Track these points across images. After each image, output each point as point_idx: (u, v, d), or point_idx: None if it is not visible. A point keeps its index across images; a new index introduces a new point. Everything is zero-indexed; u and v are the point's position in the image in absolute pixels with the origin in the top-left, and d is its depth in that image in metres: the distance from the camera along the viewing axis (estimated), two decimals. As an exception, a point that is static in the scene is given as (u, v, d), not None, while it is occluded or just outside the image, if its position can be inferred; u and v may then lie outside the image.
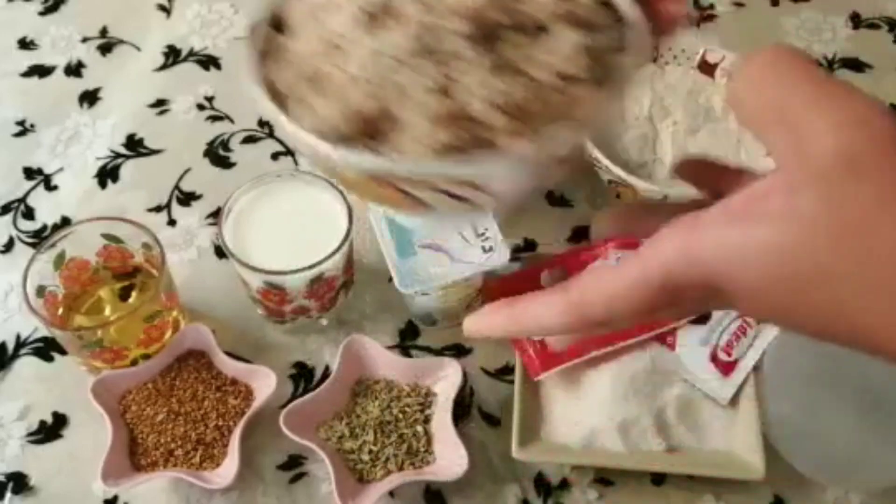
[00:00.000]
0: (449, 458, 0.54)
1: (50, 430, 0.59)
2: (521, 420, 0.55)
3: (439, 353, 0.62)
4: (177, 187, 0.71)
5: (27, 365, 0.61)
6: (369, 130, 0.30)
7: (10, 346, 0.62)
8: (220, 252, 0.67)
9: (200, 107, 0.76)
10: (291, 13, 0.34)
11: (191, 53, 0.81)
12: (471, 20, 0.30)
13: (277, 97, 0.31)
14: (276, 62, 0.33)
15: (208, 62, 0.80)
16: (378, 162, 0.29)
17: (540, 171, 0.31)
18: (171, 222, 0.69)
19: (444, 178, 0.29)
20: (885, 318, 0.23)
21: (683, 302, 0.27)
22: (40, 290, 0.57)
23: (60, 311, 0.59)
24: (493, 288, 0.62)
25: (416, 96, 0.29)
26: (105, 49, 0.81)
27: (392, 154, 0.29)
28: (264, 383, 0.57)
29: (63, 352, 0.61)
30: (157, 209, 0.70)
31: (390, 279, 0.56)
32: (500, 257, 0.57)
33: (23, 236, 0.68)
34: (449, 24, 0.30)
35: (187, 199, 0.70)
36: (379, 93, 0.29)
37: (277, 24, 0.34)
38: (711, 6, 0.86)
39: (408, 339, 0.63)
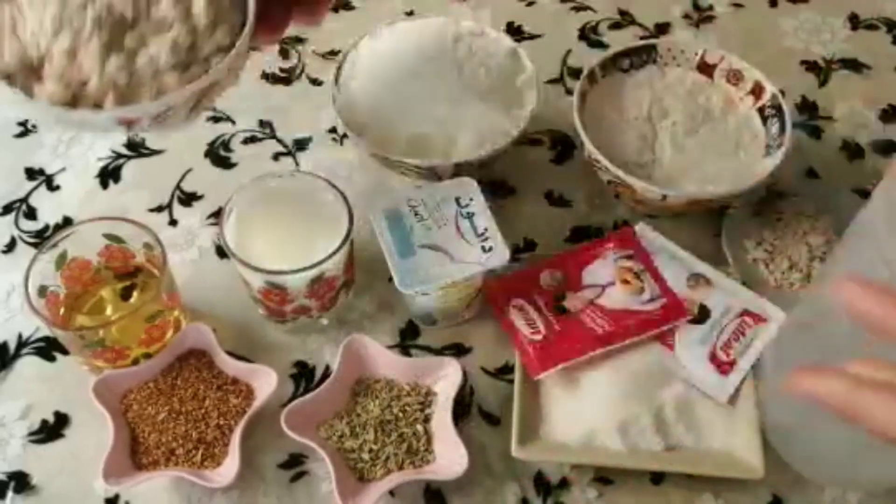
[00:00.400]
0: (449, 457, 0.54)
1: (51, 430, 0.59)
2: (521, 419, 0.56)
3: (439, 352, 0.62)
4: (178, 187, 0.71)
5: (29, 365, 0.62)
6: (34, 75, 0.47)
7: (12, 346, 0.62)
8: (222, 252, 0.67)
9: (201, 107, 0.77)
10: None
11: (192, 54, 0.81)
12: (106, 9, 0.46)
13: None
14: None
15: (209, 63, 0.80)
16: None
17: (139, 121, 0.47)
18: (173, 222, 0.69)
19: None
20: None
21: None
22: (42, 290, 0.57)
23: (62, 310, 0.59)
24: (493, 288, 0.62)
25: (55, 56, 0.46)
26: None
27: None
28: (265, 382, 0.57)
29: (65, 351, 0.62)
30: (159, 209, 0.70)
31: (390, 279, 0.57)
32: (500, 257, 0.57)
33: (25, 236, 0.69)
34: (88, 11, 0.46)
35: (188, 199, 0.71)
36: (38, 48, 0.46)
37: None
38: (710, 6, 0.86)
39: (408, 339, 0.63)
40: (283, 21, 0.50)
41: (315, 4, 0.50)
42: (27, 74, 0.48)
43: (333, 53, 0.81)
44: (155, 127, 0.49)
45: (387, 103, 0.66)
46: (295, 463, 0.57)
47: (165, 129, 0.51)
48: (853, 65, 0.81)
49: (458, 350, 0.62)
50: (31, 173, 0.73)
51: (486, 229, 0.58)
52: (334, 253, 0.56)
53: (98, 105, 0.47)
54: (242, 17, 0.49)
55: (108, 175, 0.72)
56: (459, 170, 0.63)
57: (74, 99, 0.48)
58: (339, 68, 0.69)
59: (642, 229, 0.64)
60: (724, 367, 0.58)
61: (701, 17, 0.85)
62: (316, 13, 0.50)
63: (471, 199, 0.60)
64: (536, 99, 0.67)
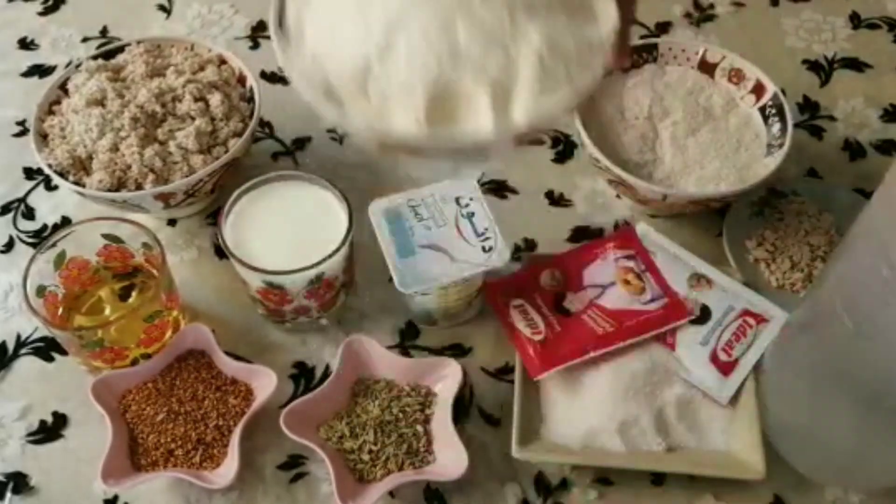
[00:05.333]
0: (449, 457, 0.54)
1: (50, 430, 0.59)
2: (521, 420, 0.55)
3: (439, 353, 0.62)
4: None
5: (27, 365, 0.62)
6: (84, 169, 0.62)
7: (11, 346, 0.62)
8: (221, 252, 0.67)
9: (200, 107, 0.76)
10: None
11: (191, 53, 0.81)
12: (139, 110, 0.61)
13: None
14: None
15: (208, 62, 0.80)
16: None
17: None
18: (171, 222, 0.69)
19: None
20: None
21: None
22: (40, 290, 0.57)
23: (60, 310, 0.59)
24: (493, 288, 0.62)
25: (99, 152, 0.61)
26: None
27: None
28: (264, 383, 0.57)
29: (63, 352, 0.61)
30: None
31: (390, 279, 0.56)
32: (500, 257, 0.57)
33: (23, 236, 0.68)
34: (125, 113, 0.61)
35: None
36: (85, 147, 0.62)
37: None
38: (711, 6, 0.86)
39: (408, 339, 0.63)
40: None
41: (619, 56, 0.42)
42: (78, 169, 0.61)
43: (333, 53, 0.81)
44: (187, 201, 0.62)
45: (378, 52, 0.40)
46: (294, 464, 0.57)
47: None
48: (854, 64, 0.81)
49: (458, 350, 0.62)
50: (30, 173, 0.72)
51: (486, 229, 0.58)
52: (334, 253, 0.55)
53: (140, 186, 0.60)
54: (251, 108, 0.65)
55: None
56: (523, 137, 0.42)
57: (120, 182, 0.61)
58: (280, 5, 0.45)
59: (643, 229, 0.64)
60: (725, 368, 0.57)
61: (702, 16, 0.85)
62: (621, 61, 0.44)
63: (471, 199, 0.60)
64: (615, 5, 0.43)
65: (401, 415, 0.56)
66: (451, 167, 0.46)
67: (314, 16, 0.41)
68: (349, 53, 0.39)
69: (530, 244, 0.68)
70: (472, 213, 0.59)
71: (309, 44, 0.41)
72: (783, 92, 0.67)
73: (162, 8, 0.85)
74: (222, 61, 0.69)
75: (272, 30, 0.42)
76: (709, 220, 0.68)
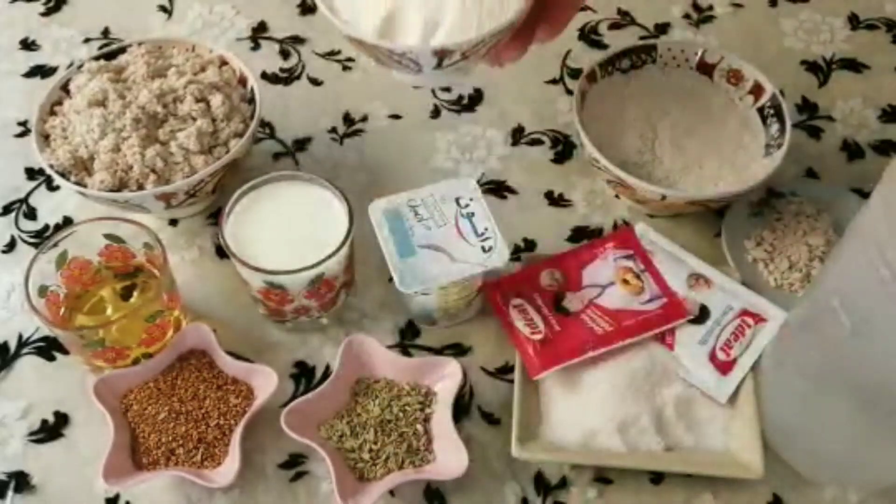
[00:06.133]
0: (449, 456, 0.54)
1: (52, 430, 0.59)
2: (521, 419, 0.56)
3: (439, 352, 0.62)
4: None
5: (29, 364, 0.62)
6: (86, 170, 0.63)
7: (12, 346, 0.63)
8: (222, 252, 0.67)
9: (201, 107, 0.77)
10: None
11: (192, 54, 0.81)
12: (140, 110, 0.62)
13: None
14: None
15: (209, 63, 0.80)
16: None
17: None
18: (173, 222, 0.69)
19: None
20: None
21: None
22: (42, 290, 0.57)
23: (62, 310, 0.59)
24: (493, 288, 0.62)
25: (101, 153, 0.61)
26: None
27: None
28: (265, 382, 0.57)
29: (65, 351, 0.62)
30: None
31: (390, 279, 0.57)
32: (500, 257, 0.57)
33: (25, 236, 0.69)
34: (127, 113, 0.61)
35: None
36: (87, 148, 0.63)
37: None
38: (710, 6, 0.86)
39: (408, 339, 0.63)
40: (527, 40, 0.54)
41: (555, 22, 0.54)
42: (80, 169, 0.62)
43: (333, 53, 0.81)
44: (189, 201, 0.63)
45: None
46: (295, 463, 0.57)
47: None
48: (853, 65, 0.81)
49: (458, 350, 0.62)
50: (32, 173, 0.73)
51: (486, 229, 0.58)
52: (334, 253, 0.56)
53: (141, 187, 0.61)
54: (252, 109, 0.66)
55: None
56: (441, 59, 0.53)
57: (121, 183, 0.61)
58: None
59: (642, 229, 0.65)
60: (723, 367, 0.58)
61: (700, 17, 0.85)
62: (556, 29, 0.54)
63: (471, 199, 0.60)
64: None
65: (401, 414, 0.56)
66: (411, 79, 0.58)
67: None
68: None
69: (530, 244, 0.68)
70: (472, 213, 0.59)
71: None
72: (782, 93, 0.67)
73: (163, 9, 0.86)
74: (223, 62, 0.69)
75: None
76: (707, 220, 0.68)
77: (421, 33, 0.54)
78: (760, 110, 0.68)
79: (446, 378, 0.57)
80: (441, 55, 0.54)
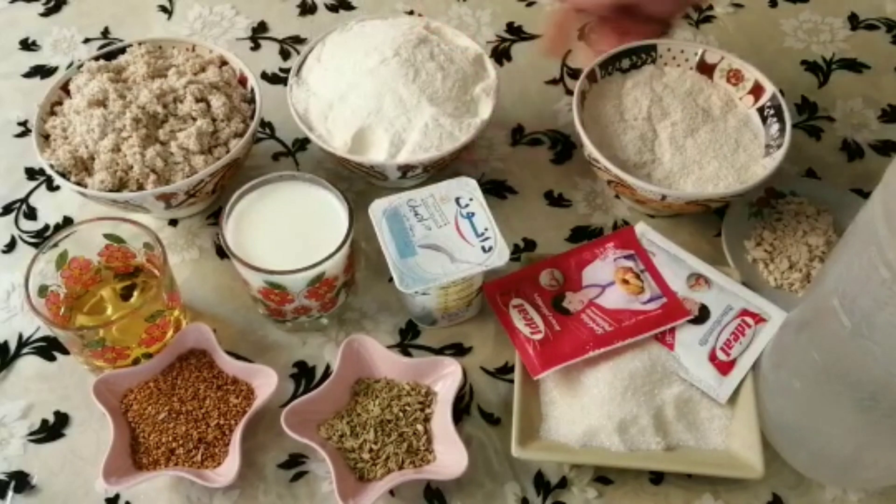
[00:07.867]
0: (449, 456, 0.54)
1: (52, 430, 0.59)
2: (521, 419, 0.56)
3: (439, 352, 0.62)
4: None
5: (29, 364, 0.62)
6: (86, 169, 0.63)
7: (13, 346, 0.63)
8: (222, 252, 0.67)
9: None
10: None
11: (192, 54, 0.81)
12: (140, 110, 0.62)
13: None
14: None
15: (209, 63, 0.80)
16: None
17: None
18: (173, 222, 0.69)
19: None
20: None
21: None
22: (42, 290, 0.57)
23: (62, 310, 0.59)
24: (493, 288, 0.62)
25: (101, 153, 0.61)
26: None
27: None
28: (265, 382, 0.57)
29: (65, 351, 0.62)
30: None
31: (390, 279, 0.57)
32: (500, 257, 0.57)
33: (25, 236, 0.69)
34: (127, 114, 0.61)
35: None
36: (87, 148, 0.63)
37: None
38: (710, 6, 0.86)
39: (408, 339, 0.63)
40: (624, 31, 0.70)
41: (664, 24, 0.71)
42: (80, 169, 0.62)
43: (333, 53, 0.81)
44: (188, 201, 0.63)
45: (338, 100, 0.65)
46: (295, 462, 0.57)
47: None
48: (853, 65, 0.81)
49: (458, 350, 0.62)
50: (32, 173, 0.73)
51: (486, 229, 0.58)
52: (334, 253, 0.56)
53: (141, 187, 0.61)
54: (252, 109, 0.66)
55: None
56: (406, 172, 0.64)
57: (121, 183, 0.61)
58: (302, 60, 0.70)
59: (642, 229, 0.65)
60: (723, 367, 0.58)
61: (701, 17, 0.85)
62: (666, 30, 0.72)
63: (471, 199, 0.60)
64: (492, 108, 0.66)
65: (401, 414, 0.56)
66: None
67: (315, 72, 0.69)
68: (324, 95, 0.66)
69: (530, 244, 0.68)
70: (472, 213, 0.59)
71: (308, 84, 0.68)
72: (782, 92, 0.67)
73: (163, 9, 0.86)
74: (223, 62, 0.69)
75: (292, 73, 0.68)
76: (707, 220, 0.68)
77: (387, 150, 0.63)
78: (760, 110, 0.68)
79: (446, 378, 0.58)
80: (405, 169, 0.64)
